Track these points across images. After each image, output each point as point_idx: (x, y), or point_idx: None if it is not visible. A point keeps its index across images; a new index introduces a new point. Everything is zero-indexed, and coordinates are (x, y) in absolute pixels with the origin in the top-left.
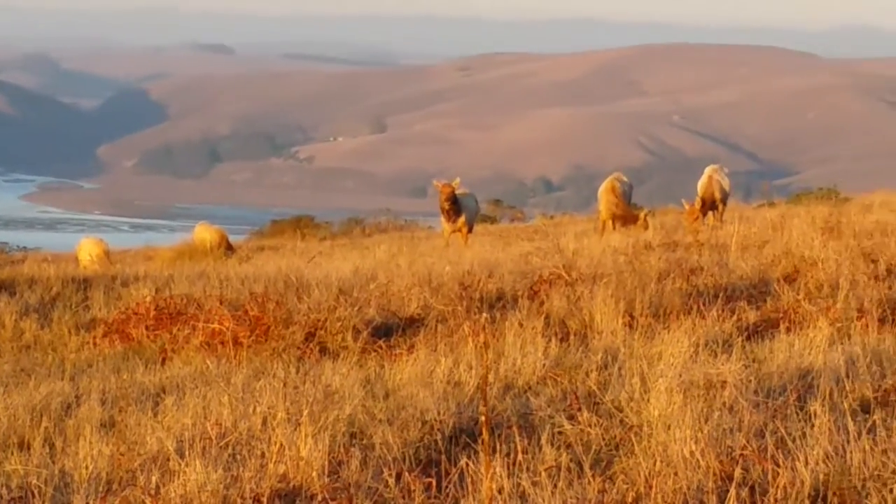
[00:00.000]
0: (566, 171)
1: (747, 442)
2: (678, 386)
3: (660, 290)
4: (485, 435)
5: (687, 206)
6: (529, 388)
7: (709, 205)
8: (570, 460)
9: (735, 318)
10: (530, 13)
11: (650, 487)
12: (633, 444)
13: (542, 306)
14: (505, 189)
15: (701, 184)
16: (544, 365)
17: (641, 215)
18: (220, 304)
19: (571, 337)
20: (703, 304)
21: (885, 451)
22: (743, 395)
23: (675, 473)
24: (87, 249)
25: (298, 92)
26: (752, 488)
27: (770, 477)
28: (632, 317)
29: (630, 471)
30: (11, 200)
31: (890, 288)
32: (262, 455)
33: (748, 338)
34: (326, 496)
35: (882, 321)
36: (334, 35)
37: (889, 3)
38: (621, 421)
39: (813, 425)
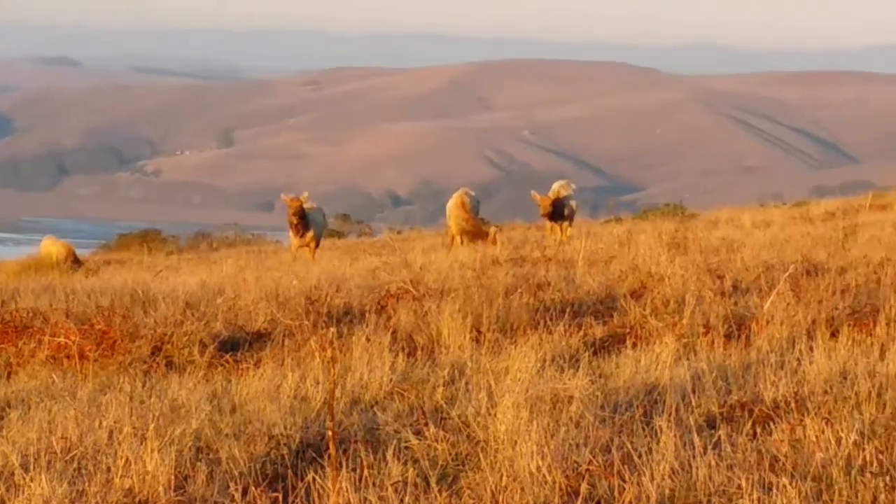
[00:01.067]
0: (414, 185)
1: (593, 457)
2: (525, 401)
3: (507, 305)
4: (331, 450)
5: (539, 198)
6: (376, 402)
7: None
8: (417, 475)
9: (582, 333)
10: (379, 28)
11: (496, 502)
12: (479, 459)
13: (390, 321)
14: (353, 204)
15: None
16: (391, 380)
17: (491, 231)
18: (67, 317)
19: (419, 352)
20: (550, 320)
21: (730, 467)
22: (589, 411)
23: (522, 489)
24: None
25: (145, 105)
26: (598, 503)
27: (616, 492)
28: (479, 332)
29: (476, 486)
30: None
31: (736, 304)
32: (108, 469)
33: (595, 353)
34: None
35: (728, 337)
36: (181, 49)
37: (734, 21)
38: (468, 436)
39: (659, 440)
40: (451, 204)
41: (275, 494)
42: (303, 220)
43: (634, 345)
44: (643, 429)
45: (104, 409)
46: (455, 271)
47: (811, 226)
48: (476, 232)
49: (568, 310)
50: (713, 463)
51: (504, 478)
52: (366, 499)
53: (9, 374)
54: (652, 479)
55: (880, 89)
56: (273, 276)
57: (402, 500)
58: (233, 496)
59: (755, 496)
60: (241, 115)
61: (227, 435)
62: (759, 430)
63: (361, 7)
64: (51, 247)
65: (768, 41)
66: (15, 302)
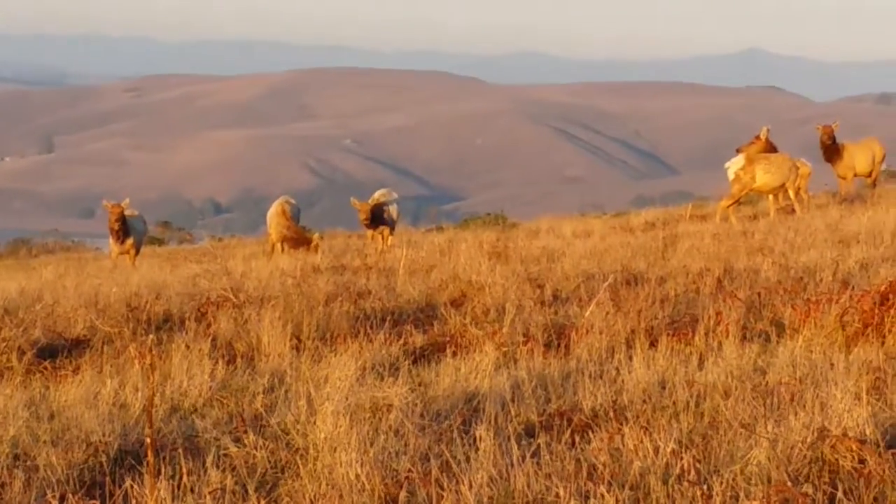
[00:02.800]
0: (235, 193)
1: (412, 465)
2: (344, 409)
3: (327, 313)
4: (150, 457)
5: (358, 205)
6: (196, 410)
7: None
8: (236, 483)
9: (402, 341)
10: (201, 35)
11: None
12: (298, 467)
13: (210, 328)
14: (174, 211)
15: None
16: (211, 387)
17: (313, 239)
18: None
19: (239, 359)
20: (371, 328)
21: (548, 475)
22: (409, 419)
23: (341, 496)
24: None
25: None
26: None
27: (434, 500)
28: (299, 339)
29: (295, 493)
30: None
31: (556, 313)
32: None
33: (415, 361)
34: None
35: (547, 346)
36: (7, 54)
37: (555, 32)
38: (287, 443)
39: (478, 449)
40: (272, 212)
41: (93, 502)
42: (124, 227)
43: (454, 353)
44: (462, 437)
45: None
46: (276, 279)
47: (631, 236)
48: (297, 239)
49: (388, 318)
50: (531, 471)
51: (323, 485)
52: None
53: None
54: (470, 487)
55: (700, 100)
56: (93, 283)
57: None
58: (50, 503)
59: None
60: (64, 121)
61: (44, 442)
62: (577, 439)
63: (184, 13)
64: None
65: (590, 51)
66: None
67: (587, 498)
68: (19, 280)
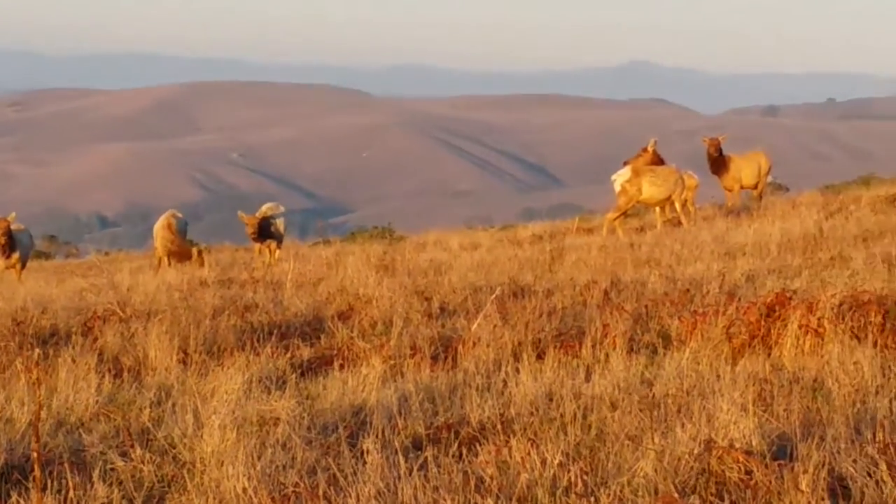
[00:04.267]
0: (122, 207)
1: (300, 479)
2: (231, 422)
3: (214, 326)
4: (36, 471)
5: (245, 218)
6: (82, 424)
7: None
8: (122, 497)
9: (289, 354)
10: (86, 48)
11: None
12: (185, 481)
13: (96, 343)
14: (60, 225)
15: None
16: (97, 401)
17: (195, 252)
18: None
19: (125, 373)
20: (258, 341)
21: (436, 488)
22: (296, 432)
23: None
24: None
25: None
26: None
27: None
28: (186, 353)
29: None
30: None
31: (443, 326)
32: None
33: (302, 374)
34: None
35: (435, 359)
36: None
37: (442, 44)
38: (174, 457)
39: (365, 462)
40: (158, 225)
41: None
42: (10, 241)
43: (342, 366)
44: (350, 450)
45: None
46: (162, 293)
47: (519, 248)
48: (183, 253)
49: (275, 331)
50: (419, 484)
51: (210, 499)
52: None
53: None
54: (357, 500)
55: (587, 113)
56: None
57: None
58: None
59: None
60: None
61: None
62: (465, 452)
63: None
64: None
65: (475, 64)
66: None
67: None
68: None
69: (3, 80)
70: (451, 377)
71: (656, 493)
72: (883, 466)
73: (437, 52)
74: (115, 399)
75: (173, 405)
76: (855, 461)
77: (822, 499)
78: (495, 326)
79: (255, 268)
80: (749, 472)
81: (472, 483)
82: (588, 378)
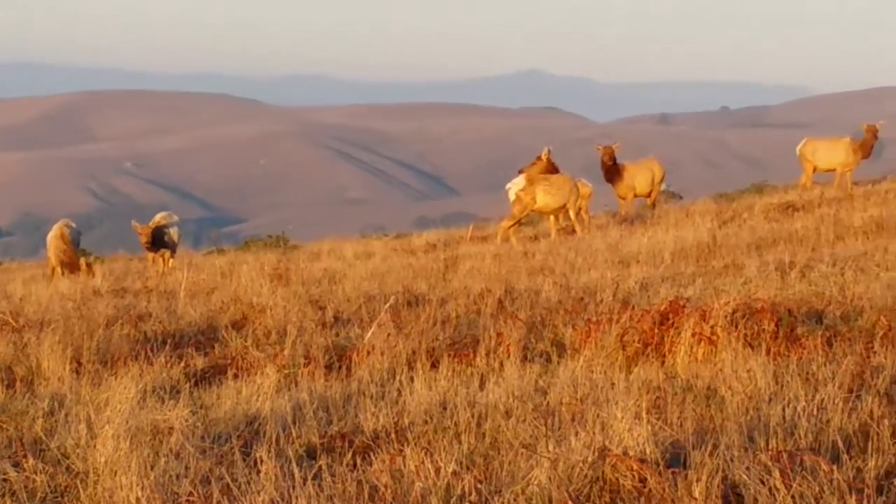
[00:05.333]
0: (14, 216)
1: (193, 488)
2: (125, 432)
3: (108, 336)
4: None
5: (139, 228)
6: None
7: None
8: None
9: (183, 364)
10: None
11: None
12: (79, 491)
13: None
14: None
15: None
16: None
17: (83, 263)
18: None
19: (18, 383)
20: (152, 351)
21: (330, 498)
22: (190, 442)
23: None
24: None
25: None
26: None
27: None
28: (79, 363)
29: None
30: None
31: (337, 335)
32: None
33: (196, 384)
34: None
35: (329, 368)
36: None
37: (332, 53)
38: (67, 467)
39: (259, 471)
40: (51, 235)
41: None
42: None
43: (236, 376)
44: (243, 460)
45: None
46: (56, 302)
47: (413, 257)
48: (74, 263)
49: (169, 341)
50: (313, 493)
51: None
52: None
53: None
54: None
55: (481, 121)
56: None
57: None
58: None
59: None
60: None
61: None
62: (359, 461)
63: None
64: None
65: (370, 73)
66: None
67: None
68: None
69: None
70: (345, 386)
71: (550, 501)
72: (776, 474)
73: (330, 62)
74: (7, 409)
75: (66, 415)
76: (748, 468)
77: None
78: (389, 335)
79: (148, 277)
80: (643, 480)
81: (366, 492)
82: (482, 386)
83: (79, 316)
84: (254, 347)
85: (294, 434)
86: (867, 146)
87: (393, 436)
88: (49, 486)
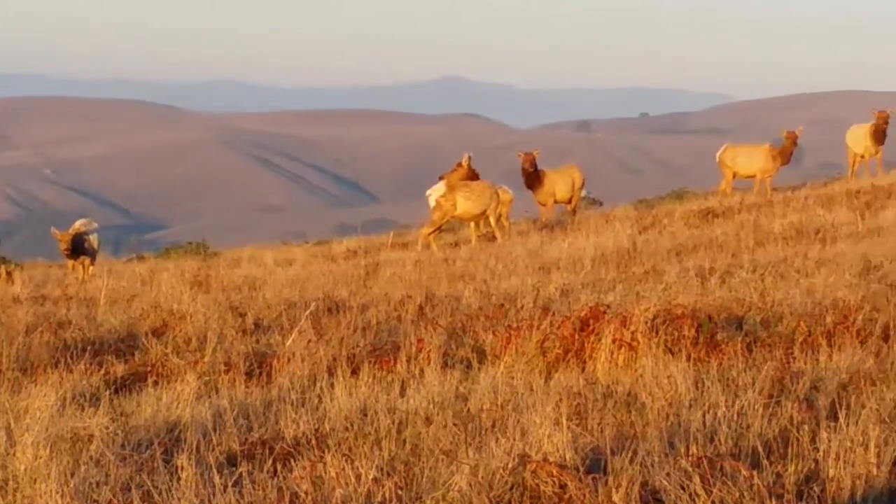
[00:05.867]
0: None
1: (114, 496)
2: (45, 440)
3: (27, 343)
4: None
5: (58, 235)
6: None
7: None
8: None
9: (103, 371)
10: None
11: None
12: None
13: None
14: None
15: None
16: None
17: (2, 270)
18: None
19: None
20: (72, 358)
21: None
22: (110, 449)
23: None
24: None
25: None
26: None
27: None
28: None
29: None
30: None
31: (258, 341)
32: None
33: (116, 391)
34: None
35: (249, 375)
36: None
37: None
38: None
39: (179, 478)
40: None
41: None
42: None
43: (156, 383)
44: (164, 467)
45: None
46: None
47: (333, 264)
48: None
49: (89, 348)
50: (233, 500)
51: None
52: None
53: None
54: None
55: (401, 128)
56: None
57: None
58: None
59: None
60: None
61: None
62: (279, 467)
63: None
64: None
65: (289, 79)
66: None
67: None
68: None
69: None
70: (265, 393)
71: None
72: (696, 479)
73: (248, 68)
74: None
75: None
76: (668, 474)
77: None
78: (310, 342)
79: (68, 284)
80: (563, 486)
81: (287, 499)
82: (402, 393)
83: None
84: (174, 354)
85: (214, 441)
86: (787, 153)
87: (313, 442)
88: None
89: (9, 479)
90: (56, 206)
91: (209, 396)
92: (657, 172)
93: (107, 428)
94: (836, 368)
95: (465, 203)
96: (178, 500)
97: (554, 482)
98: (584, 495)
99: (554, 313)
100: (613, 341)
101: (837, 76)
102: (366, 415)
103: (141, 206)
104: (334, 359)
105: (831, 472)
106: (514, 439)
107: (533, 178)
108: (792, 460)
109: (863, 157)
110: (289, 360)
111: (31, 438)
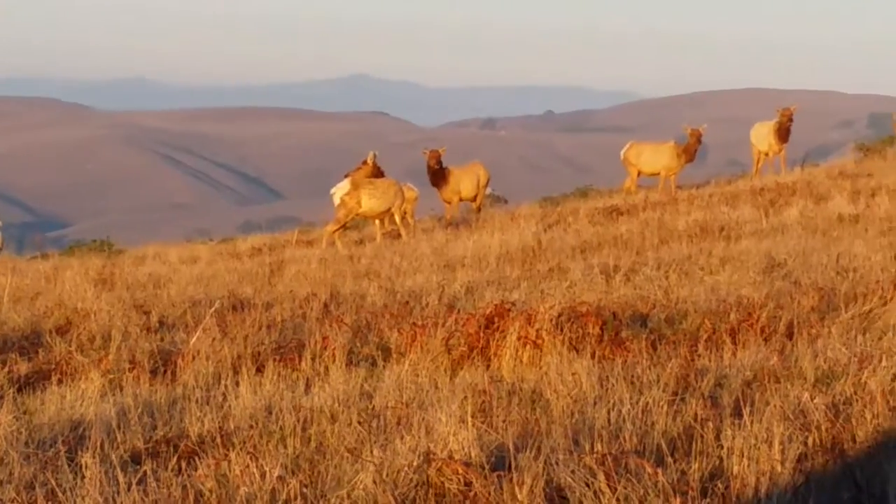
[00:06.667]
0: None
1: (17, 494)
2: None
3: None
4: None
5: None
6: None
7: None
8: None
9: (6, 369)
10: None
11: None
12: None
13: None
14: None
15: None
16: None
17: None
18: None
19: None
20: None
21: (155, 502)
22: (13, 448)
23: None
24: None
25: None
26: None
27: None
28: None
29: None
30: None
31: (162, 339)
32: None
33: (19, 389)
34: None
35: (154, 373)
36: None
37: (154, 57)
38: None
39: (84, 477)
40: None
41: None
42: None
43: (60, 381)
44: (68, 465)
45: None
46: None
47: (238, 261)
48: None
49: None
50: (138, 498)
51: None
52: None
53: None
54: None
55: (307, 125)
56: None
57: None
58: None
59: None
60: None
61: None
62: (184, 465)
63: None
64: None
65: (195, 77)
66: None
67: None
68: None
69: None
70: (170, 391)
71: None
72: (601, 477)
73: (152, 66)
74: None
75: None
76: (573, 472)
77: None
78: (215, 340)
79: None
80: (468, 484)
81: (192, 497)
82: (308, 391)
83: None
84: (78, 352)
85: (119, 439)
86: (691, 150)
87: (218, 440)
88: None
89: None
90: None
91: (114, 394)
92: (562, 170)
93: (10, 426)
94: (740, 366)
95: (370, 201)
96: (83, 498)
97: (459, 480)
98: (489, 493)
99: (459, 311)
100: (518, 339)
101: (741, 74)
102: (271, 412)
103: (45, 204)
104: (239, 357)
105: (735, 470)
106: (420, 437)
107: (438, 175)
108: (696, 457)
109: (767, 154)
110: (193, 357)
111: None
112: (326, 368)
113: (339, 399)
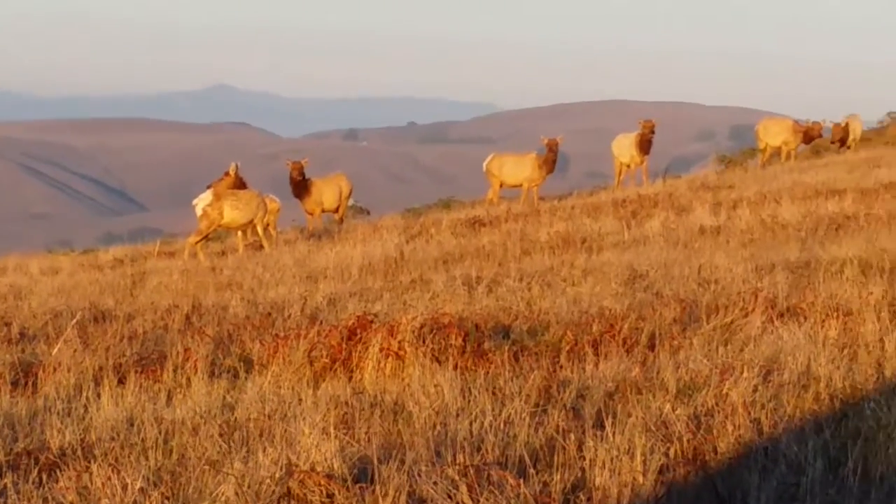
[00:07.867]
0: None
1: None
2: None
3: None
4: None
5: None
6: None
7: None
8: None
9: None
10: None
11: None
12: None
13: None
14: None
15: None
16: None
17: None
18: None
19: None
20: None
21: None
22: None
23: None
24: None
25: None
26: None
27: None
28: None
29: None
30: None
31: (23, 351)
32: None
33: None
34: None
35: (15, 384)
36: None
37: (12, 68)
38: None
39: None
40: None
41: None
42: None
43: None
44: None
45: None
46: None
47: (100, 273)
48: None
49: None
50: None
51: None
52: None
53: None
54: None
55: (169, 136)
56: None
57: None
58: None
59: None
60: None
61: None
62: (45, 478)
63: None
64: None
65: (54, 88)
66: None
67: None
68: None
69: None
70: (31, 403)
71: None
72: (463, 488)
73: (14, 77)
74: None
75: None
76: (435, 483)
77: None
78: (76, 351)
79: None
80: (331, 496)
81: None
82: (169, 402)
83: None
84: None
85: None
86: (550, 161)
87: (79, 452)
88: None
89: None
90: None
91: None
92: (425, 181)
93: None
94: (602, 377)
95: (232, 212)
96: None
97: (321, 492)
98: None
99: (321, 322)
100: (381, 350)
101: (603, 86)
102: (132, 424)
103: None
104: (100, 368)
105: (598, 481)
106: (282, 449)
107: (300, 186)
108: (558, 469)
109: (629, 166)
110: (55, 369)
111: None
112: (188, 380)
113: (201, 411)
